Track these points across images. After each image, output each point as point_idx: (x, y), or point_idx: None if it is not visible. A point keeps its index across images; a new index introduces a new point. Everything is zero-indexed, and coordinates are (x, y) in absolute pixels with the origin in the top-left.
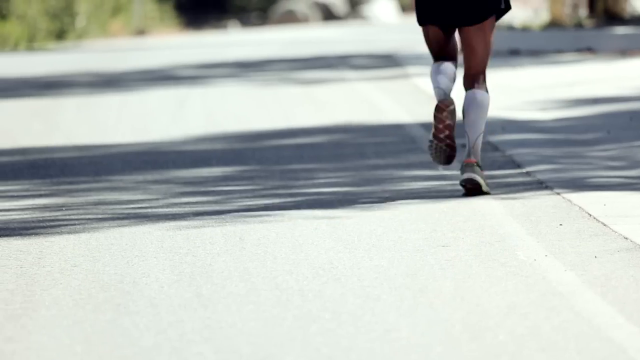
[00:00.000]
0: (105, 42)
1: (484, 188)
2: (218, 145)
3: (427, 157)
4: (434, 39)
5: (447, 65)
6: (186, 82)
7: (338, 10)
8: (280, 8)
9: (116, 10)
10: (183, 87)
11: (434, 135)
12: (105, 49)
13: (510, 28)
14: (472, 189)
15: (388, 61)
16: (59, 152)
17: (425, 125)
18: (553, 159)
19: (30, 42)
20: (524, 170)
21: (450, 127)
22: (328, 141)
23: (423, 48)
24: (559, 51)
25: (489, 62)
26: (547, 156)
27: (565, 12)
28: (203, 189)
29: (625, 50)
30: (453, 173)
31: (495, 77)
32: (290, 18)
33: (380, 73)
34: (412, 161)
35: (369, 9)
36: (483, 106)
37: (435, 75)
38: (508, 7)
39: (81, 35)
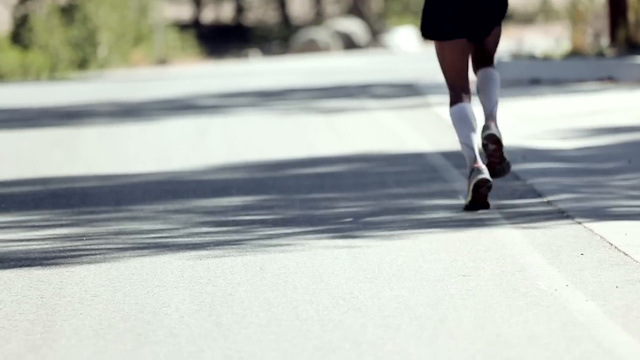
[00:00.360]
0: (127, 72)
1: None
2: (239, 175)
3: (448, 186)
4: (455, 57)
5: (469, 110)
6: (207, 111)
7: (359, 39)
8: (302, 37)
9: (138, 40)
10: (204, 116)
11: (475, 172)
12: (127, 78)
13: (532, 57)
14: (484, 184)
15: (409, 90)
16: (79, 181)
17: (445, 154)
18: (574, 188)
19: (52, 72)
20: (545, 200)
21: (487, 196)
22: (349, 170)
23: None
24: (580, 80)
25: (511, 92)
26: (568, 185)
27: (586, 41)
28: (223, 218)
29: None
30: None
31: (516, 106)
32: (312, 47)
33: (401, 102)
34: (433, 190)
35: (389, 38)
36: (497, 81)
37: (462, 126)
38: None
39: (103, 65)
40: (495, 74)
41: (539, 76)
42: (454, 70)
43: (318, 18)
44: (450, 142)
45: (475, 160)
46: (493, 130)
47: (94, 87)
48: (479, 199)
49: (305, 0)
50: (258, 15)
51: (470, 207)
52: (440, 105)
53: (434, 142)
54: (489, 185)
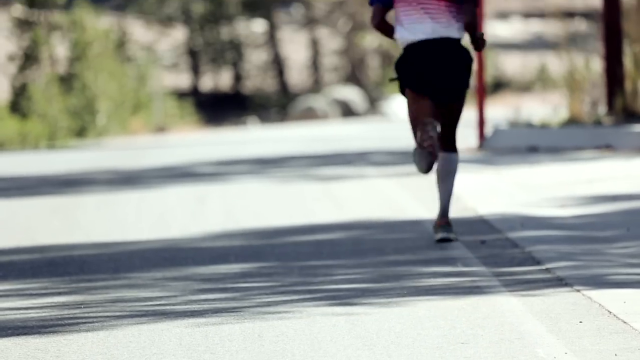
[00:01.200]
0: (126, 140)
1: (454, 238)
2: (237, 242)
3: (446, 254)
4: (421, 104)
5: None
6: (205, 178)
7: (357, 107)
8: (300, 105)
9: (137, 108)
10: (202, 183)
11: (419, 145)
12: (125, 146)
13: (529, 125)
14: (444, 241)
15: (407, 157)
16: (78, 249)
17: None
18: (573, 256)
19: (50, 140)
20: (543, 267)
21: (433, 139)
22: (347, 237)
23: None
24: (578, 148)
25: (509, 160)
26: (566, 253)
27: (584, 110)
28: (221, 285)
29: None
30: (472, 269)
31: (515, 173)
32: (310, 115)
33: (399, 169)
34: (431, 257)
35: (387, 106)
36: (456, 167)
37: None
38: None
39: (102, 133)
40: (454, 162)
41: (536, 144)
42: (421, 116)
43: (316, 86)
44: None
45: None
46: (443, 235)
47: (93, 155)
48: (424, 138)
49: (304, 68)
50: (256, 83)
51: (414, 153)
52: None
53: (432, 209)
54: (434, 125)
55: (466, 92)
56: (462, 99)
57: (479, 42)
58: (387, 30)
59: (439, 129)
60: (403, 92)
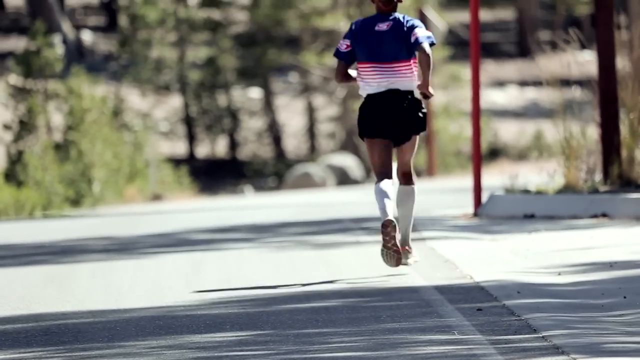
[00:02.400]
0: (122, 208)
1: (411, 262)
2: (232, 310)
3: (442, 321)
4: (378, 151)
5: (389, 185)
6: (201, 246)
7: (354, 173)
8: (296, 172)
9: (132, 176)
10: (198, 251)
11: (384, 246)
12: (121, 214)
13: (525, 192)
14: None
15: None
16: (73, 318)
17: (439, 289)
18: (569, 324)
19: (46, 209)
20: (540, 335)
21: (395, 238)
22: (343, 305)
23: (437, 212)
24: (574, 216)
25: (505, 227)
26: (563, 321)
27: (580, 177)
28: (217, 353)
29: None
30: (468, 337)
31: (511, 241)
32: (306, 181)
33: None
34: (428, 325)
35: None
36: (414, 198)
37: (380, 197)
38: (425, 125)
39: (97, 201)
40: (412, 193)
41: (533, 211)
42: (379, 162)
43: (312, 153)
44: (444, 277)
45: (385, 214)
46: (405, 260)
47: (88, 223)
48: (387, 240)
49: (300, 135)
50: (252, 149)
51: (382, 252)
52: (435, 240)
53: (428, 276)
54: (394, 225)
55: (417, 131)
56: (413, 140)
57: (424, 95)
58: (348, 80)
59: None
60: (362, 139)
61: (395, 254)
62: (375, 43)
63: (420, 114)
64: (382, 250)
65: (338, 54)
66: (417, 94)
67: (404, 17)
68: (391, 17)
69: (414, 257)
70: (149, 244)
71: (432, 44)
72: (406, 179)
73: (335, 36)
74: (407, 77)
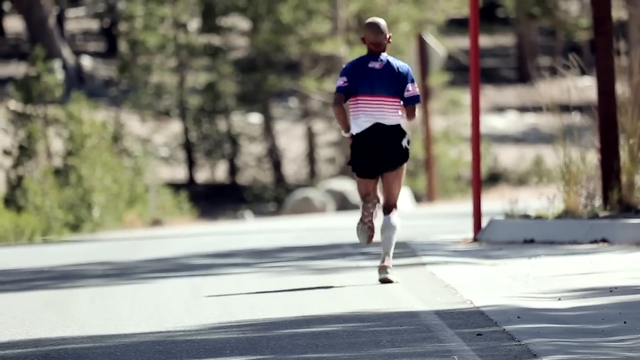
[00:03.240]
0: (121, 233)
1: (395, 280)
2: (232, 335)
3: (442, 346)
4: (364, 183)
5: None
6: (201, 270)
7: (354, 198)
8: (296, 196)
9: (132, 201)
10: (198, 276)
11: (361, 220)
12: (120, 239)
13: (525, 217)
14: (385, 281)
15: (403, 249)
16: (72, 343)
17: (439, 314)
18: (569, 349)
19: (45, 234)
20: None
21: (372, 215)
22: (343, 330)
23: (437, 237)
24: (574, 241)
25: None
26: (563, 346)
27: (580, 202)
28: None
29: None
30: None
31: (511, 266)
32: (306, 206)
33: (395, 261)
34: (428, 350)
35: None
36: (396, 228)
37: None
38: (408, 155)
39: (97, 226)
40: (393, 225)
41: (533, 236)
42: (364, 190)
43: (312, 178)
44: (444, 302)
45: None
46: (385, 275)
47: (88, 248)
48: (365, 215)
49: (300, 160)
50: (252, 174)
51: (357, 227)
52: (435, 265)
53: (428, 301)
54: (374, 202)
55: (401, 163)
56: (399, 172)
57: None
58: (342, 113)
59: (379, 211)
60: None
61: (369, 230)
62: (368, 78)
63: (405, 145)
64: (357, 225)
65: (339, 89)
66: (403, 126)
67: (392, 61)
68: (381, 58)
69: (395, 278)
70: (148, 269)
71: (418, 102)
72: (390, 210)
73: (335, 61)
74: (392, 112)
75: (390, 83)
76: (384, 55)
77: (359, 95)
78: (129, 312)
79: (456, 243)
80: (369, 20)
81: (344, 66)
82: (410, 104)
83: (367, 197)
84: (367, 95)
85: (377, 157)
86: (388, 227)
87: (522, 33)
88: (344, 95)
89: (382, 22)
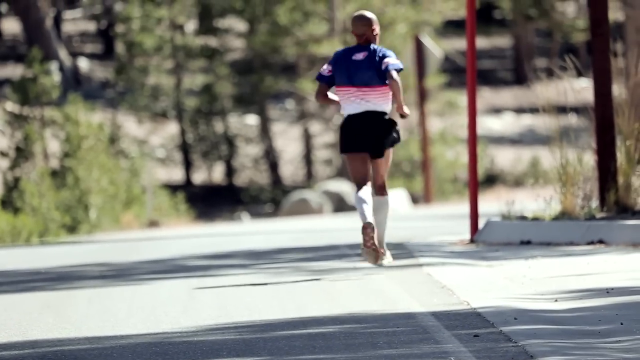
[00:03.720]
0: (118, 234)
1: (386, 264)
2: (229, 336)
3: (439, 347)
4: (356, 164)
5: (367, 192)
6: (198, 272)
7: (351, 199)
8: (293, 198)
9: (129, 203)
10: (194, 277)
11: (364, 245)
12: (117, 240)
13: (522, 218)
14: (381, 266)
15: (400, 250)
16: (69, 344)
17: (436, 315)
18: (566, 350)
19: (42, 236)
20: None
21: (373, 238)
22: (340, 331)
23: (434, 238)
24: (571, 242)
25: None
26: (560, 347)
27: (576, 203)
28: None
29: (637, 243)
30: None
31: (508, 267)
32: (303, 208)
33: (392, 263)
34: (425, 351)
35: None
36: (387, 206)
37: (360, 204)
38: (399, 139)
39: (94, 228)
40: (385, 202)
41: (529, 237)
42: (357, 173)
43: (309, 179)
44: (441, 303)
45: (365, 218)
46: (380, 261)
47: (85, 249)
48: (366, 239)
49: (296, 161)
50: (249, 175)
51: (362, 251)
52: (431, 266)
53: (425, 303)
54: (372, 226)
55: (390, 150)
56: (387, 155)
57: (401, 115)
58: (327, 101)
59: (371, 196)
60: (344, 153)
61: (374, 252)
62: (352, 70)
63: (394, 133)
64: (362, 250)
65: (320, 77)
66: (394, 116)
67: (378, 49)
68: (367, 48)
69: (389, 259)
70: (145, 270)
71: (399, 70)
72: (381, 190)
73: None
74: (380, 100)
75: (372, 72)
76: (372, 46)
77: (343, 86)
78: (126, 314)
79: (453, 244)
80: (357, 13)
81: (333, 54)
82: (386, 70)
83: (361, 182)
84: (351, 86)
85: (367, 139)
86: (380, 207)
87: (519, 34)
88: (325, 84)
89: (367, 14)
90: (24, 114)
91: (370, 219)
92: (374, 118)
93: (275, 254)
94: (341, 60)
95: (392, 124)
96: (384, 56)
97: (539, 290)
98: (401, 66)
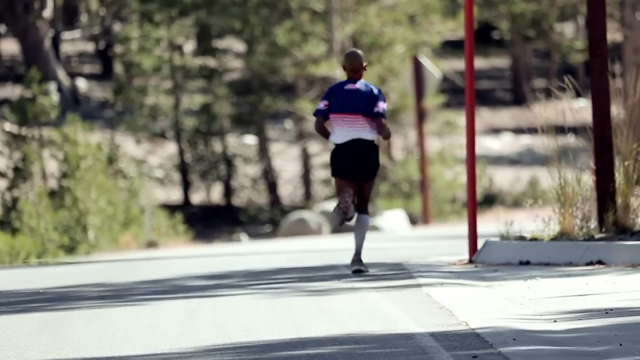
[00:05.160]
0: (116, 255)
1: (364, 270)
2: (227, 357)
3: None
4: (344, 185)
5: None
6: (196, 292)
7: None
8: (292, 218)
9: (127, 223)
10: (193, 297)
11: (337, 205)
12: (116, 260)
13: (521, 238)
14: (358, 272)
15: (399, 271)
16: None
17: (435, 336)
18: None
19: (41, 256)
20: None
21: (347, 202)
22: (338, 352)
23: (433, 258)
24: (570, 263)
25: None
26: None
27: (575, 224)
28: None
29: (636, 264)
30: None
31: (507, 287)
32: (302, 228)
33: (391, 283)
34: None
35: (380, 219)
36: (367, 224)
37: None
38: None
39: (92, 248)
40: (366, 220)
41: (528, 258)
42: (342, 192)
43: (308, 199)
44: (440, 323)
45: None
46: (357, 267)
47: (83, 270)
48: (341, 201)
49: (295, 181)
50: (248, 195)
51: (334, 210)
52: (430, 287)
53: (424, 323)
54: (350, 194)
55: (375, 175)
56: (371, 179)
57: (385, 137)
58: (324, 133)
59: (355, 200)
60: (334, 176)
61: (343, 213)
62: (345, 98)
63: (378, 162)
64: (334, 208)
65: (317, 112)
66: (377, 141)
67: (370, 85)
68: (358, 82)
69: (366, 268)
70: (144, 291)
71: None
72: (364, 209)
73: (331, 83)
74: (367, 129)
75: (363, 103)
76: (361, 81)
77: (337, 113)
78: (125, 334)
79: (452, 264)
80: (349, 50)
81: (327, 91)
82: (377, 116)
83: (342, 192)
84: (343, 113)
85: (354, 167)
86: (361, 223)
87: (517, 55)
88: (322, 118)
89: (359, 52)
90: (23, 134)
91: (349, 197)
92: (362, 146)
93: (274, 274)
94: (336, 91)
95: (377, 152)
96: (378, 97)
97: (538, 311)
98: (385, 115)
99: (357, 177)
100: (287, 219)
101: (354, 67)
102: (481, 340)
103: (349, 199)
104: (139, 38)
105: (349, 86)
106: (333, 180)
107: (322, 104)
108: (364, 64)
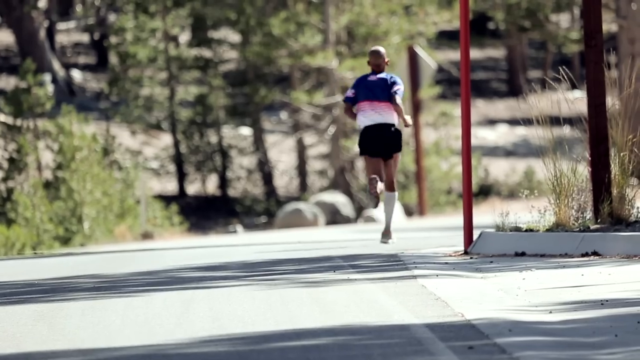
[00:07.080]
0: (111, 246)
1: (391, 242)
2: (223, 348)
3: (434, 359)
4: (372, 163)
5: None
6: (191, 283)
7: (345, 210)
8: (287, 209)
9: (122, 214)
10: (188, 289)
11: (369, 191)
12: (111, 251)
13: (516, 230)
14: (385, 243)
15: (394, 262)
16: (62, 356)
17: (431, 327)
18: None
19: (36, 247)
20: None
21: (376, 188)
22: (334, 343)
23: (428, 250)
24: (565, 254)
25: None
26: (554, 359)
27: (570, 215)
28: None
29: (631, 255)
30: None
31: (502, 278)
32: (297, 219)
33: (386, 274)
34: None
35: (376, 210)
36: (394, 200)
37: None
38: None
39: (87, 239)
40: (394, 197)
41: (523, 249)
42: (372, 170)
43: (303, 191)
44: (435, 315)
45: (373, 178)
46: (387, 240)
47: (78, 261)
48: (371, 187)
49: (290, 172)
50: (243, 187)
51: (367, 196)
52: (425, 278)
53: (420, 314)
54: (376, 180)
55: (398, 150)
56: (396, 155)
57: (405, 125)
58: (351, 116)
59: (382, 185)
60: (362, 155)
61: (375, 198)
62: (369, 88)
63: (400, 141)
64: (367, 194)
65: (346, 99)
66: (399, 126)
67: (390, 75)
68: (380, 74)
69: (393, 240)
70: (139, 282)
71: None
72: (390, 187)
73: (326, 74)
74: (388, 113)
75: (384, 91)
76: (383, 73)
77: (363, 101)
78: (120, 325)
79: (447, 256)
80: (372, 48)
81: (354, 82)
82: (394, 95)
83: (373, 178)
84: (368, 100)
85: (379, 145)
86: (389, 200)
87: (513, 46)
88: (350, 104)
89: (381, 49)
90: (17, 125)
91: (380, 184)
92: (385, 129)
93: (269, 265)
94: (361, 82)
95: (399, 133)
96: (394, 83)
97: (534, 302)
98: (403, 90)
99: (382, 153)
100: (282, 210)
101: (377, 62)
102: (477, 331)
103: (377, 185)
104: (134, 29)
105: (371, 77)
106: (333, 172)
107: (350, 92)
108: (386, 60)
